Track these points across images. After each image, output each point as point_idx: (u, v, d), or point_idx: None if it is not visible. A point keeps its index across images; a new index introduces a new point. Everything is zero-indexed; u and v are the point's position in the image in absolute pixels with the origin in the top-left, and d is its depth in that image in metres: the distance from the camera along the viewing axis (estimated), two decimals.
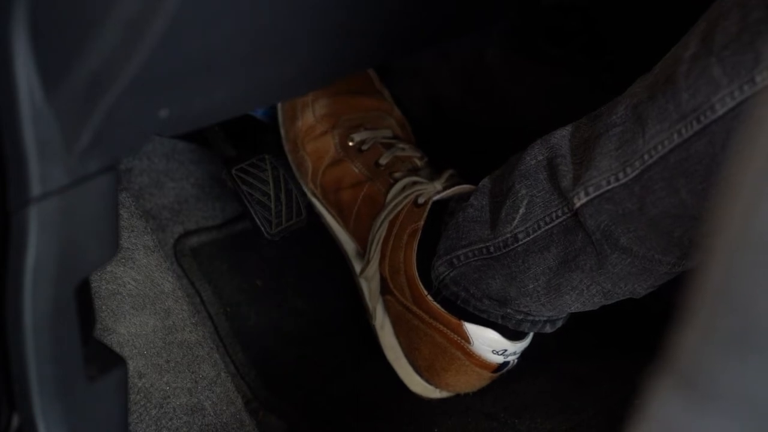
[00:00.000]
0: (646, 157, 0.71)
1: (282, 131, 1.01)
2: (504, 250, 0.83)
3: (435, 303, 0.89)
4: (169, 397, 0.85)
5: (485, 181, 0.86)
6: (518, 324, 0.87)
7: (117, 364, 0.66)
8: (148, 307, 0.87)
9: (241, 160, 0.96)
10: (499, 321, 0.87)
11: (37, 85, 0.54)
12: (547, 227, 0.80)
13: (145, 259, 0.89)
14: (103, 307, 0.84)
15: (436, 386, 0.94)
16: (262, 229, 0.94)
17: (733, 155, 0.34)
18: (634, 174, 0.72)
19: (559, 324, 0.88)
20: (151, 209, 1.05)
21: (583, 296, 0.81)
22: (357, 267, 0.97)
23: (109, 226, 0.61)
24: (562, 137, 0.80)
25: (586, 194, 0.75)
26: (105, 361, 0.66)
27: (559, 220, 0.79)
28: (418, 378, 0.94)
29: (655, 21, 1.09)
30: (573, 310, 0.85)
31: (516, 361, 0.92)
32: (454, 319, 0.89)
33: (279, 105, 1.01)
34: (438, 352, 0.91)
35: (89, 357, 0.63)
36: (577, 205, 0.76)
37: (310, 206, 1.01)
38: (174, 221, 1.06)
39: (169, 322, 0.88)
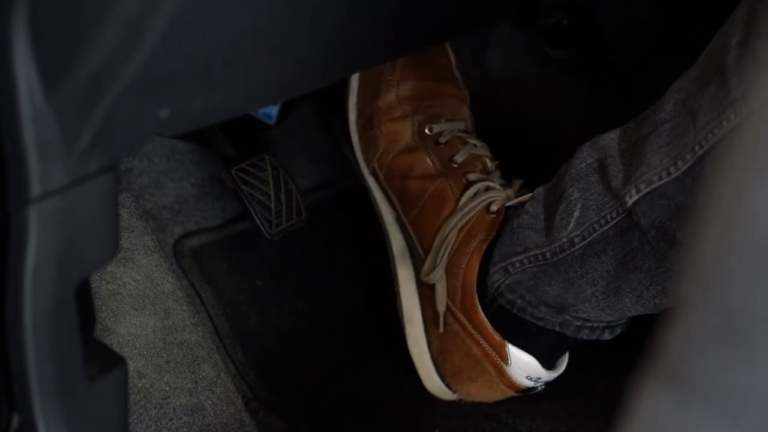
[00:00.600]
0: (696, 148, 0.70)
1: (353, 104, 0.99)
2: (560, 256, 0.82)
3: (483, 317, 0.88)
4: (169, 397, 0.85)
5: (540, 189, 0.86)
6: (577, 331, 0.85)
7: (117, 365, 0.66)
8: (148, 307, 0.87)
9: (241, 160, 0.96)
10: (557, 328, 0.86)
11: (37, 85, 0.54)
12: (602, 230, 0.79)
13: (145, 260, 0.89)
14: (103, 308, 0.84)
15: (455, 392, 0.93)
16: (262, 229, 0.94)
17: (719, 149, 0.34)
18: (685, 167, 0.71)
19: (618, 330, 0.86)
20: (151, 209, 1.05)
21: (643, 298, 0.80)
22: (398, 254, 0.96)
23: (109, 226, 0.61)
24: (610, 140, 0.79)
25: (638, 191, 0.74)
26: (105, 361, 0.66)
27: (614, 221, 0.78)
28: (437, 379, 0.93)
29: (655, 21, 1.09)
30: (633, 313, 0.83)
31: (543, 387, 0.91)
32: (498, 338, 0.88)
33: (356, 77, 0.99)
34: (470, 363, 0.90)
35: (89, 357, 0.63)
36: (629, 203, 0.75)
37: (311, 206, 1.01)
38: (174, 221, 1.06)
39: (169, 323, 0.88)
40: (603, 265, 0.80)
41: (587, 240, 0.80)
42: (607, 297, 0.81)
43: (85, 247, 0.59)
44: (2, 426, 0.62)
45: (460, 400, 0.95)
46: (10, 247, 0.57)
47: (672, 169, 0.72)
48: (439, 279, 0.91)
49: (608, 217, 0.78)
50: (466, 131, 0.98)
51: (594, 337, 0.86)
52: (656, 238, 0.75)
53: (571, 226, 0.80)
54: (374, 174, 0.98)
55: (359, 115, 0.99)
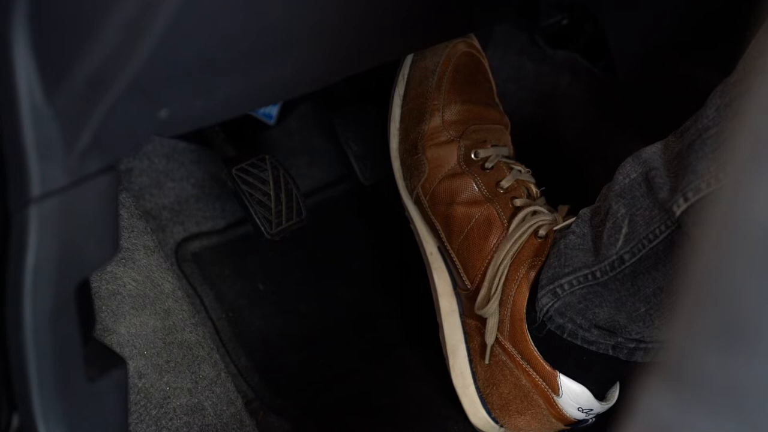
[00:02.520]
0: None
1: (396, 127, 0.97)
2: (611, 274, 0.79)
3: (533, 346, 0.86)
4: (169, 397, 0.85)
5: (586, 210, 0.84)
6: (630, 353, 0.83)
7: (117, 365, 0.66)
8: (148, 307, 0.87)
9: (241, 160, 0.96)
10: (610, 352, 0.83)
11: (37, 85, 0.54)
12: (651, 245, 0.76)
13: (145, 260, 0.89)
14: (103, 308, 0.84)
15: (503, 425, 0.91)
16: (262, 228, 0.94)
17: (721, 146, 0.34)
18: None
19: None
20: (151, 209, 1.05)
21: None
22: (439, 283, 0.94)
23: (110, 226, 0.61)
24: (653, 152, 0.77)
25: (686, 200, 0.71)
26: (105, 361, 0.66)
27: (663, 234, 0.75)
28: (483, 412, 0.91)
29: (656, 21, 1.09)
30: None
31: (594, 420, 0.90)
32: (548, 368, 0.86)
33: (398, 98, 0.97)
34: (519, 394, 0.88)
35: (89, 357, 0.63)
36: (678, 213, 0.72)
37: (311, 207, 1.01)
38: (174, 221, 1.06)
39: (169, 323, 0.88)
40: (655, 281, 0.77)
41: (637, 256, 0.77)
42: (661, 314, 0.78)
43: (85, 247, 0.59)
44: (2, 426, 0.62)
45: None
46: (10, 247, 0.57)
47: (721, 176, 0.68)
48: (494, 312, 0.88)
49: (657, 231, 0.76)
50: (509, 157, 0.96)
51: (648, 359, 0.83)
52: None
53: (620, 243, 0.78)
54: (417, 201, 0.95)
55: (402, 141, 0.97)
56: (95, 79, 0.54)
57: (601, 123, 1.12)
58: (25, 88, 0.54)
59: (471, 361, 0.92)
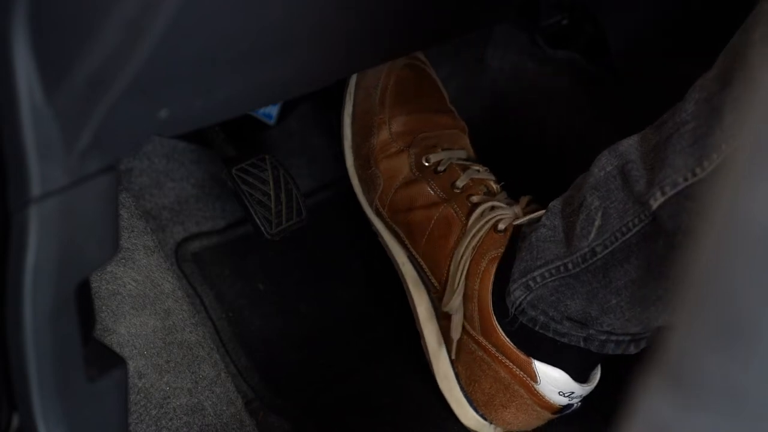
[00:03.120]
0: (723, 146, 0.67)
1: (348, 146, 0.99)
2: (582, 266, 0.80)
3: (504, 336, 0.87)
4: (169, 397, 0.85)
5: (555, 202, 0.84)
6: (602, 345, 0.84)
7: (117, 365, 0.66)
8: (148, 307, 0.87)
9: (241, 160, 0.96)
10: (582, 344, 0.84)
11: (37, 85, 0.54)
12: (624, 237, 0.76)
13: (145, 260, 0.89)
14: (103, 308, 0.84)
15: (492, 422, 0.91)
16: (262, 228, 0.94)
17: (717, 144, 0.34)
18: (712, 167, 0.68)
19: (644, 344, 0.84)
20: (151, 209, 1.05)
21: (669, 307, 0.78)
22: (415, 292, 0.95)
23: (109, 226, 0.61)
24: (630, 145, 0.77)
25: (663, 194, 0.72)
26: (105, 361, 0.66)
27: (637, 228, 0.76)
28: (472, 412, 0.92)
29: (656, 21, 1.09)
30: (660, 323, 0.80)
31: (579, 404, 0.90)
32: (522, 356, 0.86)
33: (347, 118, 0.99)
34: (500, 387, 0.89)
35: (89, 357, 0.63)
36: (654, 206, 0.73)
37: (311, 207, 1.01)
38: (174, 221, 1.06)
39: (169, 323, 0.88)
40: (627, 274, 0.78)
41: (610, 248, 0.78)
42: (632, 307, 0.79)
43: (85, 247, 0.59)
44: (2, 426, 0.62)
45: None
46: (10, 247, 0.57)
47: (698, 170, 0.69)
48: (458, 307, 0.89)
49: (631, 224, 0.76)
50: (467, 159, 0.97)
51: (620, 351, 0.84)
52: (683, 243, 0.73)
53: (592, 235, 0.78)
54: (378, 214, 0.97)
55: (356, 158, 0.99)
56: (95, 79, 0.54)
57: (600, 123, 1.12)
58: (25, 88, 0.54)
59: (453, 363, 0.92)
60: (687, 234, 0.73)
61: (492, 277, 0.87)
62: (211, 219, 1.08)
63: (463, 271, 0.89)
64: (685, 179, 0.70)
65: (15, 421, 0.62)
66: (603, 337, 0.83)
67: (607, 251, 0.78)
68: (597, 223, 0.78)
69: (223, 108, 0.68)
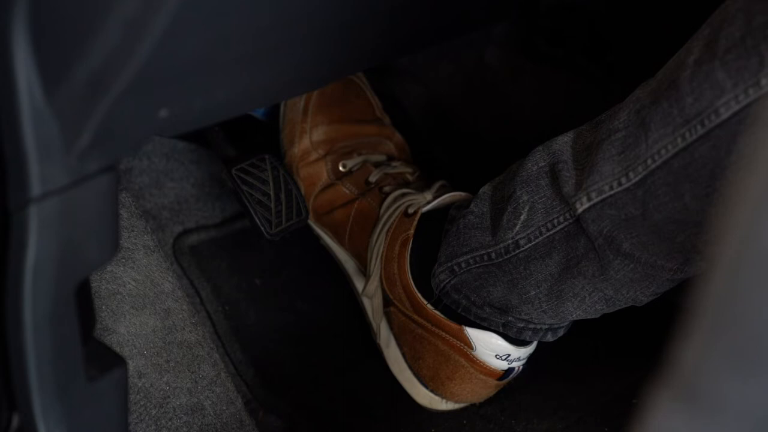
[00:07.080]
0: (649, 161, 0.70)
1: (282, 155, 1.02)
2: (505, 257, 0.83)
3: (435, 311, 0.89)
4: (169, 397, 0.85)
5: (486, 188, 0.86)
6: (519, 332, 0.86)
7: (117, 364, 0.66)
8: (148, 307, 0.87)
9: (241, 160, 0.96)
10: (500, 329, 0.87)
11: (37, 85, 0.54)
12: (548, 233, 0.79)
13: (145, 259, 0.89)
14: (103, 307, 0.84)
15: (442, 396, 0.93)
16: (262, 229, 0.94)
17: (736, 164, 0.34)
18: (637, 179, 0.71)
19: (561, 333, 0.88)
20: (151, 209, 1.05)
21: (585, 303, 0.81)
22: (358, 285, 0.98)
23: (109, 226, 0.61)
24: (564, 143, 0.80)
25: (589, 199, 0.75)
26: (105, 361, 0.66)
27: (561, 226, 0.79)
28: (424, 390, 0.94)
29: (656, 22, 1.09)
30: (575, 317, 0.84)
31: (521, 367, 0.91)
32: (454, 325, 0.88)
33: (282, 130, 1.02)
34: (442, 360, 0.91)
35: (89, 357, 0.63)
36: (579, 210, 0.76)
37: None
38: (174, 221, 1.06)
39: (169, 322, 0.88)
40: (547, 268, 0.81)
41: (533, 243, 0.80)
42: (549, 300, 0.82)
43: (85, 247, 0.59)
44: (2, 426, 0.62)
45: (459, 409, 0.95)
46: (10, 247, 0.57)
47: (623, 180, 0.72)
48: (374, 291, 0.93)
49: (555, 221, 0.79)
50: (387, 160, 1.00)
51: (537, 339, 0.87)
52: (603, 247, 0.76)
53: (517, 228, 0.81)
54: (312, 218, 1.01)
55: (287, 166, 1.02)
56: (95, 79, 0.54)
57: None
58: (25, 88, 0.54)
59: (399, 346, 0.95)
60: (608, 239, 0.75)
61: (407, 259, 0.90)
62: (211, 219, 1.08)
63: (377, 256, 0.92)
64: (611, 188, 0.73)
65: (15, 421, 0.62)
66: (521, 325, 0.86)
67: (530, 245, 0.81)
68: (523, 217, 0.81)
69: (223, 108, 0.69)
